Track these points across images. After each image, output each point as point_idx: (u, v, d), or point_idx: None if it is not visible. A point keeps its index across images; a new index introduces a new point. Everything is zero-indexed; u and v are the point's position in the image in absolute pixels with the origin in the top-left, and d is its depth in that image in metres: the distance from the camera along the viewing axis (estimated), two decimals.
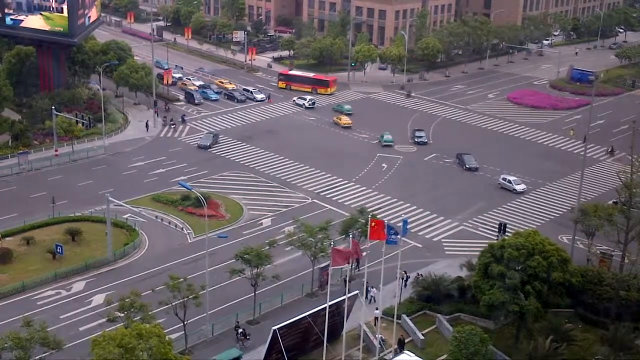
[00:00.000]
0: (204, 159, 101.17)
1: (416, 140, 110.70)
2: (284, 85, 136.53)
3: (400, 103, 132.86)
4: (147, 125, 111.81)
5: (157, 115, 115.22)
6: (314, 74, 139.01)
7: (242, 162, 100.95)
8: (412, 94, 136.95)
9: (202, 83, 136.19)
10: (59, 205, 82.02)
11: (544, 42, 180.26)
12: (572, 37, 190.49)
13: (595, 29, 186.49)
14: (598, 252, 73.16)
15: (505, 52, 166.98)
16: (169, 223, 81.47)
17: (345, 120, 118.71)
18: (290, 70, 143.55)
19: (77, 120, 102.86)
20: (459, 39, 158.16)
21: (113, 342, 45.72)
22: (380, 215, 79.88)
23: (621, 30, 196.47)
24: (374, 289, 65.19)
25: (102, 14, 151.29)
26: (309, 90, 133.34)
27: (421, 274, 69.31)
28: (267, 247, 66.35)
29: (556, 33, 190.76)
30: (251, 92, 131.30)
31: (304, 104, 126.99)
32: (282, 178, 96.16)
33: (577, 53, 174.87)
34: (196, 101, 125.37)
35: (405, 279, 69.17)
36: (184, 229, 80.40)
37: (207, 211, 71.37)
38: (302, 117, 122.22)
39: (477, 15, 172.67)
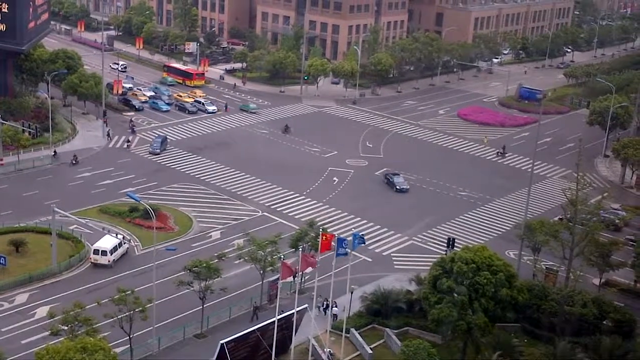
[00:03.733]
0: (153, 170, 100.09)
1: (397, 188, 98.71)
2: (167, 75, 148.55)
3: (353, 117, 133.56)
4: (108, 135, 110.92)
5: (106, 124, 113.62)
6: (185, 68, 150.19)
7: (192, 174, 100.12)
8: (356, 104, 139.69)
9: (152, 93, 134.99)
10: (3, 216, 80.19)
11: (494, 60, 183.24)
12: (521, 56, 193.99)
13: (543, 49, 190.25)
14: (543, 267, 74.44)
15: (451, 70, 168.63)
16: (117, 235, 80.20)
17: (199, 93, 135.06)
18: (171, 63, 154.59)
19: (23, 129, 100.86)
20: (411, 55, 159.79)
21: (57, 355, 44.80)
22: (330, 229, 79.98)
23: (569, 50, 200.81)
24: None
25: (52, 22, 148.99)
26: (181, 81, 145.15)
27: (327, 299, 66.01)
28: (216, 260, 65.77)
29: (506, 52, 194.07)
30: (202, 103, 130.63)
31: (117, 67, 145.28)
32: (233, 190, 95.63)
33: (526, 72, 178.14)
34: (153, 150, 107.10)
35: (324, 306, 66.71)
36: (131, 240, 79.27)
37: (155, 223, 70.74)
38: (254, 129, 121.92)
39: (429, 32, 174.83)
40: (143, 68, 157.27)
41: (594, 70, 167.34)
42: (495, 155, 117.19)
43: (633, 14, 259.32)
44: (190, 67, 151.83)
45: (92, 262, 73.92)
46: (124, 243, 76.88)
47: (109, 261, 73.57)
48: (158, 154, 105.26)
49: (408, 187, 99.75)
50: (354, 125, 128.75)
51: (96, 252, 73.72)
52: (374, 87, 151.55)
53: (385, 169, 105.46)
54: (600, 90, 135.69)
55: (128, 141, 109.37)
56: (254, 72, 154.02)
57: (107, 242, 74.91)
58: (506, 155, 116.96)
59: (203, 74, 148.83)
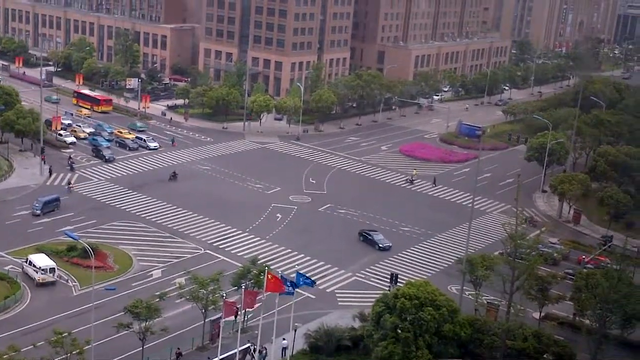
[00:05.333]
0: (92, 208, 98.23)
1: (379, 246, 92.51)
2: (76, 101, 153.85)
3: (296, 153, 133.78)
4: (50, 171, 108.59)
5: (44, 162, 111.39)
6: (94, 94, 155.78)
7: (132, 212, 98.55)
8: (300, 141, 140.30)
9: (92, 130, 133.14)
10: None
11: (434, 97, 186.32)
12: (460, 93, 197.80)
13: (482, 86, 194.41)
14: (485, 302, 75.01)
15: (390, 108, 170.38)
16: (54, 275, 78.21)
17: (85, 112, 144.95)
18: (80, 90, 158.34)
19: None
20: (353, 92, 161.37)
21: None
22: (274, 266, 79.53)
23: (506, 88, 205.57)
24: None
25: None
26: (89, 107, 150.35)
27: (254, 343, 64.01)
28: (157, 300, 64.54)
29: (445, 89, 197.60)
30: (144, 140, 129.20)
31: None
32: (174, 228, 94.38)
33: (467, 108, 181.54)
34: (33, 212, 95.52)
35: (252, 350, 64.24)
36: (69, 281, 77.34)
37: (94, 262, 69.27)
38: (197, 166, 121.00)
39: (371, 70, 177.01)
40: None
41: (531, 107, 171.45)
42: (407, 184, 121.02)
43: (568, 53, 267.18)
44: (98, 94, 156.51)
45: (39, 283, 74.97)
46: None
47: (57, 277, 75.92)
48: (38, 216, 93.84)
49: (390, 244, 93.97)
50: (297, 162, 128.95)
51: (44, 271, 75.18)
52: (317, 124, 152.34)
53: (361, 228, 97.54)
54: (538, 126, 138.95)
55: (69, 183, 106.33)
56: (196, 109, 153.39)
57: (44, 261, 76.79)
58: (414, 181, 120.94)
59: (110, 100, 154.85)
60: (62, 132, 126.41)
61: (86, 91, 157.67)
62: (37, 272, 75.64)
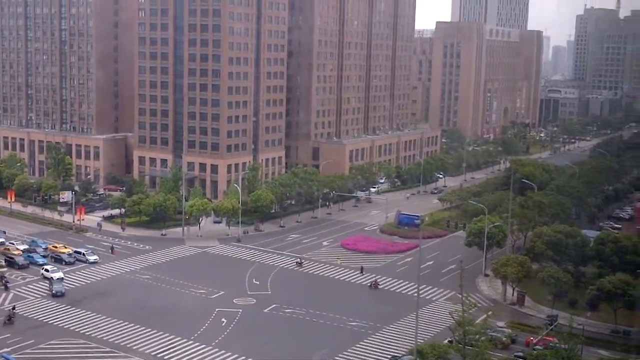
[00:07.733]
0: (29, 328, 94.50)
1: None
2: None
3: (237, 255, 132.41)
4: None
5: None
6: None
7: (71, 328, 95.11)
8: (241, 243, 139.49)
9: (26, 247, 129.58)
10: None
11: (371, 189, 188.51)
12: (396, 184, 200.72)
13: (417, 176, 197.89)
14: None
15: (325, 204, 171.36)
16: None
17: None
18: None
19: None
20: (291, 190, 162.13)
21: None
22: None
23: (440, 176, 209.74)
24: None
25: None
26: None
27: None
28: None
29: (382, 180, 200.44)
30: (83, 254, 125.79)
31: None
32: (116, 342, 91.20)
33: (408, 197, 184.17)
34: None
35: None
36: None
37: None
38: (136, 276, 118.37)
39: (307, 166, 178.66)
40: (15, 221, 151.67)
41: (466, 193, 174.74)
42: (296, 266, 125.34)
43: (496, 140, 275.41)
44: None
45: None
46: None
47: None
48: None
49: None
50: (239, 263, 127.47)
51: None
52: (257, 224, 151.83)
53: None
54: (474, 212, 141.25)
55: (13, 308, 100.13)
56: (133, 217, 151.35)
57: None
58: (303, 263, 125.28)
59: None
60: (48, 267, 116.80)
61: None
62: None
